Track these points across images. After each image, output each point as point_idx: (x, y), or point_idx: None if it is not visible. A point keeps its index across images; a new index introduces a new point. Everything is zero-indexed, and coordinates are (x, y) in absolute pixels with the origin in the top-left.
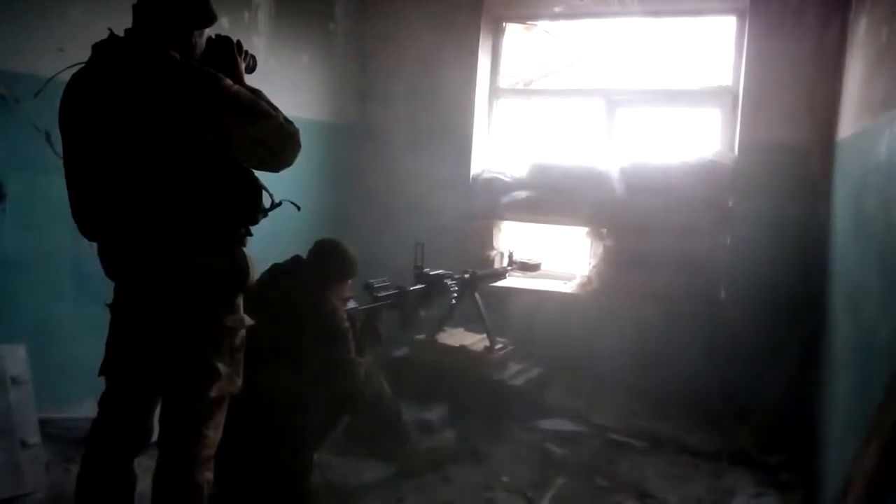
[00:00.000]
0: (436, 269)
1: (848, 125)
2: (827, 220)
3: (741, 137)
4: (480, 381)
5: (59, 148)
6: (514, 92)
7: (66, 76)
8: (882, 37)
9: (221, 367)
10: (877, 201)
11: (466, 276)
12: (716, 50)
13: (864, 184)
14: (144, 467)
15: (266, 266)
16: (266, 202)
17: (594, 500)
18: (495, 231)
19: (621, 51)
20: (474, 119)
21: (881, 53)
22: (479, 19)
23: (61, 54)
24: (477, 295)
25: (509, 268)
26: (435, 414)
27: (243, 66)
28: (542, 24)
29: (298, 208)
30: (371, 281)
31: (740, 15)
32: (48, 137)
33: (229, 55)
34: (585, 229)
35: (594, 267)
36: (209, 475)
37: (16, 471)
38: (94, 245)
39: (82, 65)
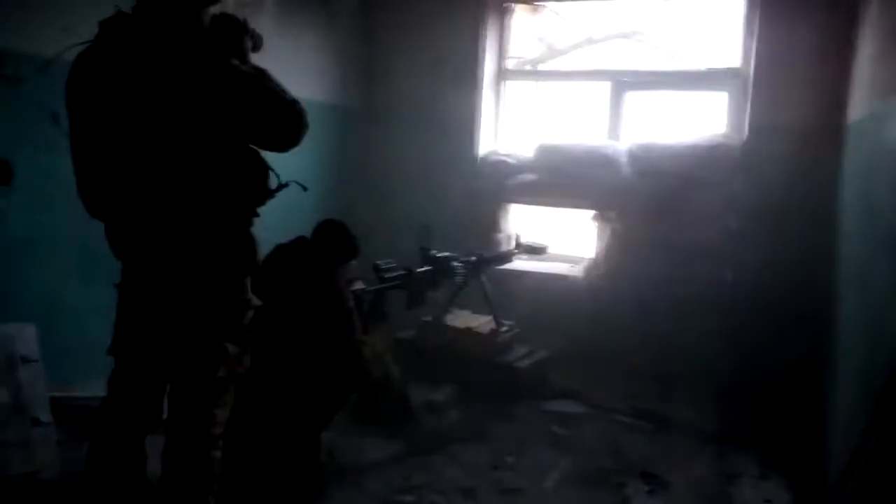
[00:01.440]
0: (443, 252)
1: (858, 107)
2: (835, 203)
3: (750, 120)
4: (487, 363)
5: (66, 128)
6: (520, 73)
7: (72, 56)
8: (894, 18)
9: (230, 347)
10: (886, 185)
11: (473, 258)
12: (725, 32)
13: (873, 167)
14: (155, 446)
15: (271, 247)
16: (272, 183)
17: (599, 480)
18: (502, 214)
19: (629, 32)
20: (481, 101)
21: (892, 34)
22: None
23: (66, 33)
24: (484, 277)
25: (516, 250)
26: (441, 395)
27: (249, 45)
28: (550, 5)
29: (305, 189)
30: (378, 262)
31: None
32: (55, 117)
33: (235, 34)
34: (593, 212)
35: (601, 250)
36: (218, 454)
37: (28, 448)
38: (103, 224)
39: (89, 43)
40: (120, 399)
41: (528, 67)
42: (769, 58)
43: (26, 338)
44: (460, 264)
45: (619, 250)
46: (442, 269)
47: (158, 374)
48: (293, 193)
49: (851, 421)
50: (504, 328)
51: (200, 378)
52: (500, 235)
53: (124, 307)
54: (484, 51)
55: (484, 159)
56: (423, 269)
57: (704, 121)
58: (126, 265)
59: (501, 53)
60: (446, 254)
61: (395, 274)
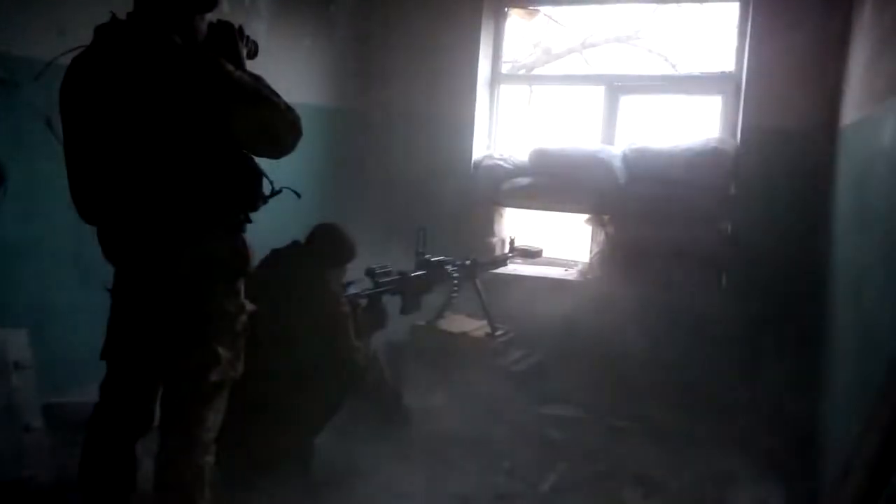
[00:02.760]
0: (437, 256)
1: (852, 111)
2: (829, 207)
3: (744, 124)
4: (481, 367)
5: (60, 132)
6: (515, 78)
7: (67, 60)
8: (886, 21)
9: (222, 351)
10: (880, 188)
11: (468, 262)
12: (719, 36)
13: (867, 171)
14: (147, 451)
15: (265, 251)
16: (266, 189)
17: (594, 485)
18: (496, 217)
19: (624, 37)
20: (475, 105)
21: (886, 38)
22: (482, 4)
23: (62, 37)
24: (478, 281)
25: (510, 254)
26: (436, 399)
27: (245, 51)
28: (545, 10)
29: (298, 195)
30: (373, 266)
31: (744, 0)
32: (49, 122)
33: (231, 40)
34: (587, 216)
35: (595, 254)
36: (210, 459)
37: (19, 454)
38: (95, 229)
39: (84, 48)
40: (112, 404)
41: (523, 71)
42: (763, 62)
43: (18, 343)
44: (455, 268)
45: (613, 254)
46: (436, 273)
47: (150, 379)
48: (288, 197)
49: (846, 425)
50: (499, 332)
51: (192, 382)
52: (495, 239)
53: (116, 312)
54: (479, 55)
55: (479, 163)
56: (417, 273)
57: (699, 125)
58: (118, 270)
59: (497, 57)
60: (441, 258)
61: (389, 278)
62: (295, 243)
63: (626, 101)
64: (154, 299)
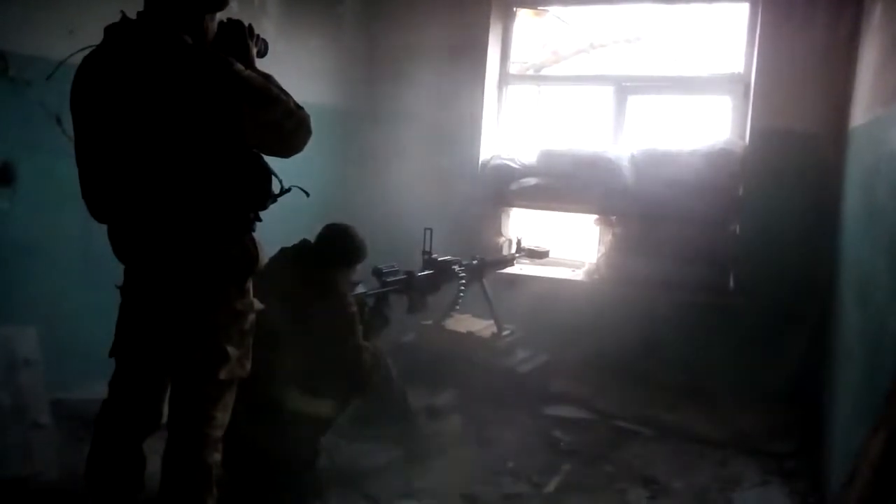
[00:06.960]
0: (444, 256)
1: (861, 113)
2: (837, 208)
3: (752, 125)
4: (487, 368)
5: (70, 131)
6: (524, 78)
7: (77, 59)
8: None
9: (231, 350)
10: (888, 190)
11: (475, 262)
12: (728, 37)
13: (875, 173)
14: (154, 448)
15: (274, 250)
16: (275, 188)
17: (600, 486)
18: (504, 218)
19: (633, 37)
20: (484, 105)
21: (895, 42)
22: (490, 4)
23: (72, 36)
24: (485, 281)
25: (517, 255)
26: (442, 399)
27: (255, 50)
28: (554, 10)
29: (307, 194)
30: (380, 266)
31: (753, 1)
32: (59, 120)
33: (241, 39)
34: (594, 217)
35: (603, 254)
36: (217, 457)
37: (27, 451)
38: (104, 227)
39: (94, 47)
40: (120, 401)
41: (531, 72)
42: (771, 63)
43: (27, 340)
44: (462, 268)
45: (620, 255)
46: (443, 272)
47: (159, 377)
48: (296, 196)
49: (854, 427)
50: (505, 332)
51: (201, 380)
52: (502, 239)
53: (126, 309)
54: (487, 55)
55: (486, 163)
56: (424, 272)
57: (708, 125)
58: (128, 268)
59: (505, 57)
60: (448, 257)
61: (396, 278)
62: (304, 242)
63: (635, 102)
64: (163, 297)
